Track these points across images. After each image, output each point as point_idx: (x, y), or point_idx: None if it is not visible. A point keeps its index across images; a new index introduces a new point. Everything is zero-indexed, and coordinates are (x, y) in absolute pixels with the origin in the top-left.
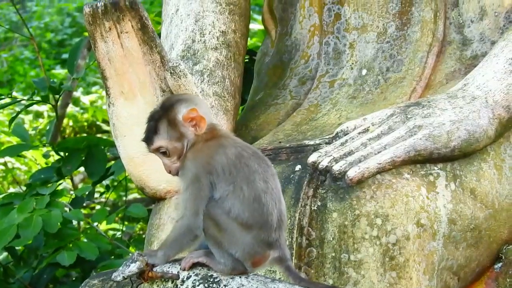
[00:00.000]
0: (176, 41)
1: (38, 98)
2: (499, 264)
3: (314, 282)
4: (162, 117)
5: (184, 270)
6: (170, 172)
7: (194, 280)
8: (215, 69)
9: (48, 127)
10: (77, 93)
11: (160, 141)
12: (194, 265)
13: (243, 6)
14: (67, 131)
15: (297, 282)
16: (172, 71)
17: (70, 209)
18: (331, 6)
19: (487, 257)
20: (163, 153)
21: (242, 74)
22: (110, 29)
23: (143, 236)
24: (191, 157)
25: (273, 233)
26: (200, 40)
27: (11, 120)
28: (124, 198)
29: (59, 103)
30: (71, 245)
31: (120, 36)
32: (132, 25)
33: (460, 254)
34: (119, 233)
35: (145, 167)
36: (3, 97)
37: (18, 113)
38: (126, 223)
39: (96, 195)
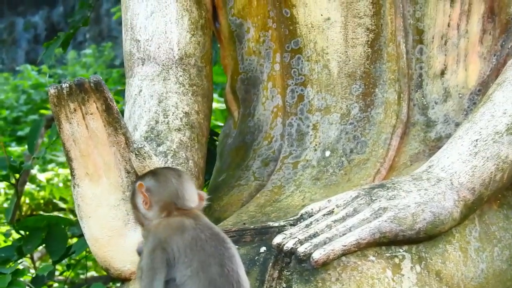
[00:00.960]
0: (140, 122)
1: None
2: None
3: None
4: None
5: None
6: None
7: None
8: (178, 150)
9: (8, 206)
10: (33, 171)
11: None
12: None
13: (206, 87)
14: (24, 208)
15: None
16: (137, 153)
17: None
18: (294, 87)
19: None
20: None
21: (205, 155)
22: (75, 110)
23: None
24: (152, 230)
25: None
26: (164, 121)
27: None
28: (81, 276)
29: (18, 182)
30: None
31: (85, 117)
32: (97, 107)
33: None
34: None
35: (110, 248)
36: None
37: None
38: None
39: (56, 273)
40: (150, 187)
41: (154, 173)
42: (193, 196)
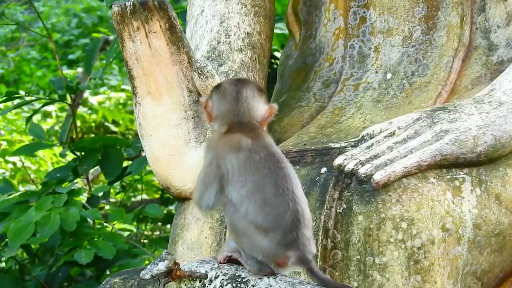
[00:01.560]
0: (201, 42)
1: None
2: None
3: (338, 284)
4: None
5: (219, 262)
6: None
7: (222, 279)
8: (240, 70)
9: (61, 126)
10: (85, 94)
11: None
12: (229, 260)
13: (268, 8)
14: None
15: (321, 284)
16: (200, 72)
17: (85, 208)
18: (356, 9)
19: (510, 263)
20: None
21: (266, 76)
22: (138, 28)
23: (155, 236)
24: (211, 144)
25: (289, 235)
26: (225, 41)
27: (28, 118)
28: (133, 199)
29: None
30: (87, 243)
31: (148, 35)
32: (160, 25)
33: (484, 259)
34: (129, 233)
35: (170, 167)
36: (19, 96)
37: (36, 111)
38: (135, 223)
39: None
40: (210, 102)
41: (217, 87)
42: (256, 111)
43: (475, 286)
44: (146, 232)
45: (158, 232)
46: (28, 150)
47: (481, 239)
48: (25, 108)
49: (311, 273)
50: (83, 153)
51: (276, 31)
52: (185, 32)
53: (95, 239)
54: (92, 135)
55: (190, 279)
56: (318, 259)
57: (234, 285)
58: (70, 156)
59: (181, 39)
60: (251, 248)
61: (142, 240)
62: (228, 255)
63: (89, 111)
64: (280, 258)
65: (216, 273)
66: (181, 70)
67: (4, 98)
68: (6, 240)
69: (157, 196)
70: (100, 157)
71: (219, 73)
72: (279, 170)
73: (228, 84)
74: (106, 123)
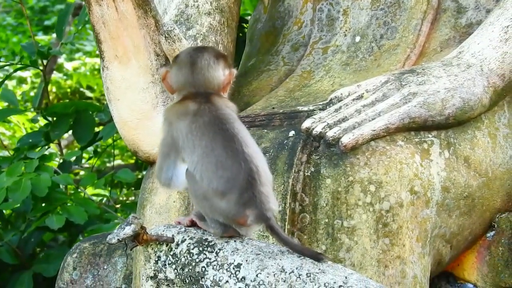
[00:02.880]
0: (169, 5)
1: (25, 63)
2: (492, 233)
3: (298, 246)
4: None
5: (184, 225)
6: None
7: (189, 243)
8: (208, 34)
9: (33, 92)
10: (60, 59)
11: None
12: (192, 225)
13: None
14: (51, 97)
15: (281, 242)
16: (167, 36)
17: (58, 173)
18: None
19: (479, 226)
20: None
21: (235, 40)
22: None
23: (128, 201)
24: (165, 114)
25: (244, 194)
26: (194, 5)
27: None
28: (108, 164)
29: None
30: (59, 209)
31: None
32: None
33: (453, 222)
34: (104, 198)
35: (138, 131)
36: None
37: (7, 77)
38: (109, 188)
39: (83, 161)
40: (169, 74)
41: (175, 58)
42: (213, 80)
43: (444, 248)
44: (121, 198)
45: (133, 198)
46: (0, 116)
47: (450, 202)
48: (0, 74)
49: (271, 231)
50: (55, 119)
51: None
52: None
53: (67, 204)
54: (67, 101)
55: (157, 243)
56: (286, 223)
57: (200, 249)
58: (42, 122)
59: (148, 3)
60: (212, 211)
61: (115, 205)
62: (193, 219)
63: (65, 77)
64: (239, 218)
65: (183, 237)
66: (148, 34)
67: None
68: None
69: (132, 161)
70: (72, 122)
71: (187, 37)
72: (224, 132)
73: (184, 55)
74: (82, 89)
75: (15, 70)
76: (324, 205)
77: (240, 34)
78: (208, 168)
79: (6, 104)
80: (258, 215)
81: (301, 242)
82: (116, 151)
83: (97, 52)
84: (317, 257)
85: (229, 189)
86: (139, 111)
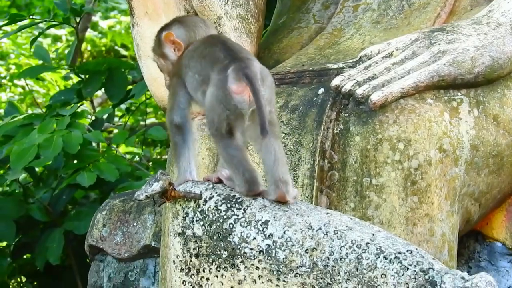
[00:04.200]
0: None
1: (59, 21)
2: None
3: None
4: (157, 34)
5: (209, 181)
6: (166, 87)
7: (217, 200)
8: None
9: (68, 50)
10: (95, 18)
11: (154, 56)
12: (219, 181)
13: None
14: (85, 55)
15: (252, 94)
16: None
17: (90, 131)
18: None
19: (508, 184)
20: (159, 68)
21: None
22: None
23: (162, 159)
24: (172, 70)
25: (223, 60)
26: None
27: (32, 41)
28: (142, 122)
29: (79, 26)
30: (91, 166)
31: None
32: None
33: (481, 180)
34: (137, 156)
35: None
36: (23, 18)
37: (39, 34)
38: (144, 147)
39: (115, 118)
40: (181, 34)
41: (180, 21)
42: None
43: (472, 207)
44: (154, 156)
45: (166, 156)
46: (33, 73)
47: (479, 160)
48: (36, 32)
49: (250, 85)
50: (87, 76)
51: None
52: None
53: (99, 161)
54: (100, 59)
55: (185, 199)
56: (315, 180)
57: (228, 205)
58: (76, 79)
59: None
60: (218, 110)
61: (147, 163)
62: (221, 178)
63: (99, 35)
64: (229, 83)
65: (211, 194)
66: None
67: (8, 20)
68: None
69: (165, 119)
70: (104, 80)
71: None
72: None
73: (191, 17)
74: (116, 47)
75: (48, 27)
76: (353, 162)
77: None
78: (197, 69)
79: (40, 61)
80: (237, 68)
81: (329, 199)
82: (150, 109)
83: (129, 10)
84: (263, 132)
85: (210, 68)
86: None
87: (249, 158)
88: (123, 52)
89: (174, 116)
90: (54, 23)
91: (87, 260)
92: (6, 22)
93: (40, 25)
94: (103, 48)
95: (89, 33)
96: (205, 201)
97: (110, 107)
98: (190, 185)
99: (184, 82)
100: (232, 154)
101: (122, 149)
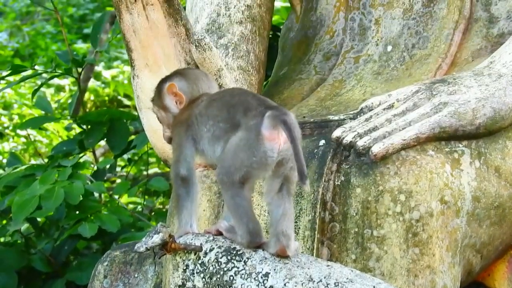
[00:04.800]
0: (201, 14)
1: (61, 71)
2: None
3: (300, 161)
4: (158, 85)
5: (209, 233)
6: (164, 139)
7: (217, 252)
8: (240, 43)
9: (70, 100)
10: (98, 68)
11: (153, 107)
12: (219, 234)
13: None
14: (88, 105)
15: (290, 141)
16: (197, 44)
17: (92, 182)
18: None
19: (510, 235)
20: (158, 119)
21: (266, 49)
22: (135, 1)
23: (164, 210)
24: (174, 124)
25: (257, 107)
26: (225, 13)
27: (34, 92)
28: (144, 172)
29: (81, 77)
30: (92, 217)
31: (145, 8)
32: None
33: (483, 232)
34: (139, 206)
35: None
36: (26, 69)
37: (41, 85)
38: (146, 197)
39: (117, 168)
40: (183, 87)
41: (182, 74)
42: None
43: (474, 258)
44: (158, 206)
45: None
46: (35, 123)
47: (480, 212)
48: (39, 82)
49: (288, 132)
50: (89, 127)
51: (282, 4)
52: (184, 5)
53: (100, 212)
54: (102, 109)
55: (185, 251)
56: (316, 232)
57: (229, 257)
58: (79, 130)
59: (178, 11)
60: (246, 157)
61: (149, 214)
62: (220, 230)
63: (102, 85)
64: (263, 128)
65: (211, 246)
66: (179, 42)
67: (10, 71)
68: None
69: (168, 169)
70: (106, 131)
71: (219, 46)
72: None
73: (192, 70)
74: (119, 97)
75: (50, 78)
76: (354, 214)
77: (275, 43)
78: (222, 118)
79: (42, 112)
80: (274, 115)
81: (330, 251)
82: (152, 159)
83: (129, 62)
84: (302, 179)
85: (241, 114)
86: None
87: (254, 210)
88: (126, 102)
89: (181, 168)
90: (56, 73)
91: None
92: (9, 72)
93: (43, 75)
94: (106, 98)
95: (92, 83)
96: (206, 253)
97: (112, 157)
98: (191, 237)
99: (193, 133)
100: (239, 203)
101: (124, 199)
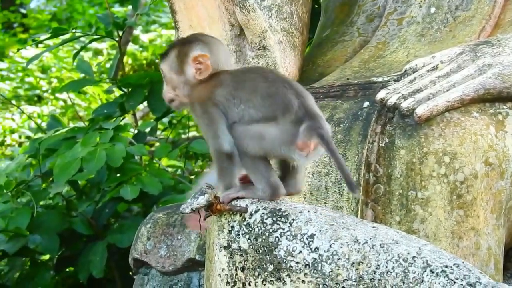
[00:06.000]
0: None
1: (101, 34)
2: None
3: (345, 168)
4: (176, 47)
5: (224, 203)
6: (164, 98)
7: (263, 213)
8: (283, 4)
9: (110, 63)
10: (136, 31)
11: (163, 65)
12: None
13: None
14: (126, 68)
15: (331, 154)
16: (242, 6)
17: (132, 144)
18: None
19: None
20: (164, 77)
21: (310, 11)
22: None
23: (203, 172)
24: (195, 97)
25: (298, 112)
26: None
27: (75, 55)
28: (183, 136)
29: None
30: (133, 179)
31: None
32: None
33: None
34: (179, 170)
35: None
36: (66, 32)
37: (82, 48)
38: (184, 160)
39: (157, 132)
40: (216, 59)
41: (206, 42)
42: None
43: None
44: (196, 169)
45: (207, 169)
46: (75, 87)
47: None
48: (77, 46)
49: (327, 146)
50: (130, 89)
51: None
52: None
53: (141, 175)
54: (142, 72)
55: (231, 213)
56: (361, 193)
57: (274, 218)
58: (118, 93)
59: None
60: (269, 148)
61: (189, 176)
62: (232, 197)
63: (140, 49)
64: (298, 139)
65: (257, 207)
66: (223, 4)
67: (51, 34)
68: (53, 176)
69: None
70: (146, 93)
71: (262, 7)
72: (259, 72)
73: (215, 39)
74: (157, 61)
75: (91, 41)
76: (398, 176)
77: (316, 6)
78: (255, 104)
79: (82, 75)
80: (311, 127)
81: (375, 213)
82: (191, 123)
83: (173, 24)
84: (352, 189)
85: (280, 112)
86: None
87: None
88: None
89: (224, 143)
90: (96, 36)
91: (130, 273)
92: (49, 36)
93: (82, 38)
94: (144, 62)
95: (130, 47)
96: (251, 214)
97: (153, 120)
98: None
99: (223, 111)
100: (259, 162)
101: (164, 162)
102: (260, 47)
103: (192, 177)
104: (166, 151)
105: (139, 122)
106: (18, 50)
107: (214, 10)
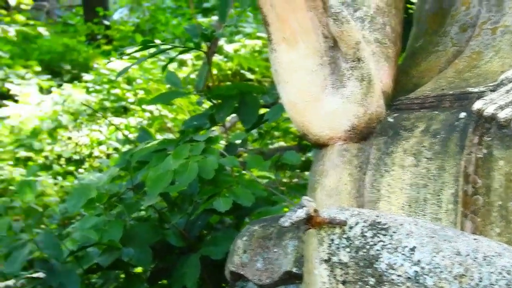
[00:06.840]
0: None
1: (189, 46)
2: None
3: None
4: None
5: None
6: None
7: (363, 226)
8: (375, 15)
9: (197, 74)
10: (220, 42)
11: None
12: None
13: None
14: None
15: None
16: (335, 18)
17: (223, 156)
18: None
19: None
20: None
21: (402, 21)
22: None
23: (292, 183)
24: None
25: None
26: None
27: (164, 67)
28: (270, 146)
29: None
30: (226, 191)
31: None
32: None
33: None
34: (267, 181)
35: (307, 113)
36: (155, 45)
37: (171, 60)
38: (274, 170)
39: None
40: None
41: None
42: None
43: None
44: (284, 180)
45: (296, 180)
46: (165, 99)
47: None
48: (161, 57)
49: None
50: (219, 101)
51: None
52: None
53: (234, 186)
54: (228, 83)
55: (330, 226)
56: (459, 205)
57: (374, 231)
58: (206, 104)
59: None
60: None
61: (280, 188)
62: None
63: (225, 59)
64: None
65: (356, 220)
66: (316, 16)
67: (140, 47)
68: (145, 188)
69: (293, 143)
70: (236, 105)
71: (355, 18)
72: None
73: None
74: (242, 71)
75: (180, 53)
76: (498, 187)
77: (405, 15)
78: None
79: (167, 86)
80: None
81: (474, 224)
82: (277, 133)
83: (257, 34)
84: None
85: None
86: (308, 94)
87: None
88: (249, 75)
89: None
90: (186, 48)
91: (223, 285)
92: (139, 48)
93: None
94: (229, 72)
95: (215, 57)
96: (350, 227)
97: (243, 131)
98: (335, 211)
99: None
100: None
101: (255, 173)
102: (354, 59)
103: (283, 188)
104: (259, 162)
105: (228, 132)
106: (108, 62)
107: (307, 22)
